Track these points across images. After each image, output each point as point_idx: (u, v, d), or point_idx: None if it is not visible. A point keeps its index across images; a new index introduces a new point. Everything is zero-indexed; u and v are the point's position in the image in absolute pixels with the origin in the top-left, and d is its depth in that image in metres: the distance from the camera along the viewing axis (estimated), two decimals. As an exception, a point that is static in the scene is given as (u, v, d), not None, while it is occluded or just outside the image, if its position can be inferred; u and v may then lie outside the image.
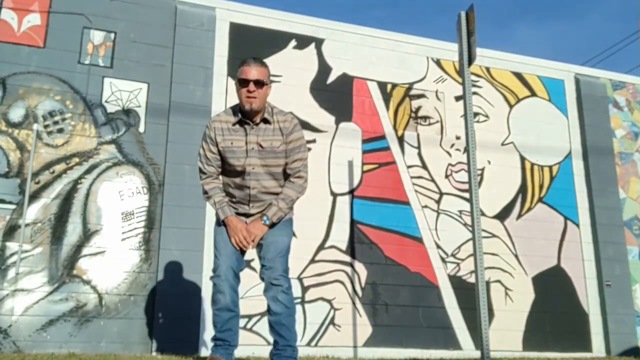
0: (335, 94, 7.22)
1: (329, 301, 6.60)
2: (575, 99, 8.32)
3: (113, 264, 5.99)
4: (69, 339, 5.69)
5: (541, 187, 7.84)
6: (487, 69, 7.99)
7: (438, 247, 7.16)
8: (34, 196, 5.92)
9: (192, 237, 6.12)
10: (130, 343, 5.84)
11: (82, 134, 6.21)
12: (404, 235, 7.07)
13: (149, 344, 5.86)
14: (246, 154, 3.51)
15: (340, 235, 6.82)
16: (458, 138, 7.56)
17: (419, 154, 7.39)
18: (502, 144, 7.82)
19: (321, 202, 6.85)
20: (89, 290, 5.87)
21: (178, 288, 5.98)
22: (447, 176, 7.44)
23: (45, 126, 6.11)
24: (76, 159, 6.13)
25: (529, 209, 7.70)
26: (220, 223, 3.61)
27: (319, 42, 7.33)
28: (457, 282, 7.11)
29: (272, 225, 3.56)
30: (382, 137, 7.29)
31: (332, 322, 6.55)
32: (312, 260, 6.65)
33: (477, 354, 5.66)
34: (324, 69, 7.26)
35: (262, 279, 3.54)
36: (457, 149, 7.55)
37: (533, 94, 8.17)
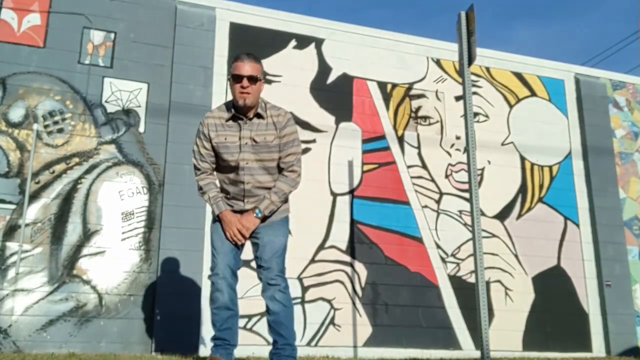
0: (335, 94, 7.22)
1: (329, 301, 6.60)
2: (575, 99, 8.32)
3: (113, 264, 5.99)
4: (69, 339, 5.69)
5: (541, 187, 7.84)
6: (487, 69, 7.99)
7: (438, 247, 7.16)
8: (34, 196, 5.92)
9: (192, 237, 6.12)
10: (130, 343, 5.84)
11: (82, 134, 6.21)
12: (404, 235, 7.07)
13: (149, 343, 5.86)
14: (240, 149, 3.52)
15: (340, 235, 6.82)
16: (458, 138, 7.56)
17: (419, 154, 7.39)
18: (502, 144, 7.82)
19: (321, 202, 6.85)
20: (89, 290, 5.87)
21: (178, 288, 5.98)
22: (447, 176, 7.44)
23: (45, 126, 6.11)
24: (76, 159, 6.13)
25: (529, 209, 7.70)
26: (215, 219, 3.62)
27: (319, 42, 7.33)
28: (457, 282, 7.11)
29: (265, 219, 3.56)
30: (382, 137, 7.29)
31: (332, 322, 6.55)
32: (312, 260, 6.65)
33: (477, 354, 5.66)
34: (324, 69, 7.26)
35: (260, 279, 3.54)
36: (457, 149, 7.55)
37: (533, 94, 8.18)
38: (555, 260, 7.63)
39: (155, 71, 6.55)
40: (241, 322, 6.00)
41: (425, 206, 7.24)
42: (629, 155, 8.40)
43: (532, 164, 7.88)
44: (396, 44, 7.67)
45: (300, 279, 6.54)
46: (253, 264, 3.74)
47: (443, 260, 7.14)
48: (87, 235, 6.00)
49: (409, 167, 7.30)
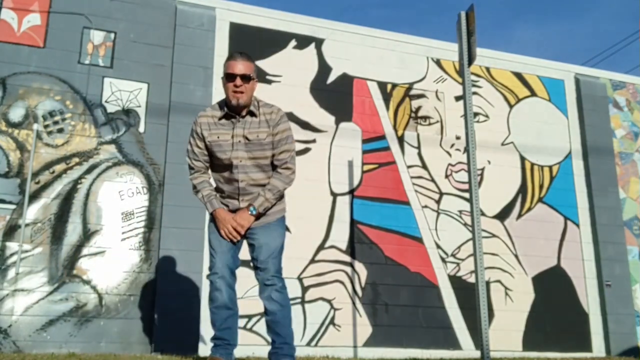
0: (335, 94, 7.22)
1: (329, 301, 6.60)
2: (575, 99, 8.32)
3: (113, 264, 5.99)
4: (69, 339, 5.69)
5: (541, 187, 7.84)
6: (487, 69, 7.99)
7: (438, 247, 7.16)
8: (34, 196, 5.92)
9: (192, 237, 6.12)
10: (130, 343, 5.84)
11: (82, 134, 6.21)
12: (404, 235, 7.07)
13: (148, 344, 5.86)
14: (232, 147, 3.52)
15: (340, 235, 6.82)
16: (458, 138, 7.56)
17: (419, 154, 7.39)
18: (502, 144, 7.82)
19: (321, 202, 6.85)
20: (89, 290, 5.87)
21: (178, 288, 5.98)
22: (447, 176, 7.44)
23: (45, 126, 6.11)
24: (76, 159, 6.13)
25: (529, 209, 7.70)
26: (211, 218, 3.63)
27: (319, 42, 7.33)
28: (457, 282, 7.11)
29: (260, 217, 3.55)
30: (382, 137, 7.29)
31: (332, 322, 6.55)
32: (312, 260, 6.65)
33: (477, 354, 5.66)
34: (324, 69, 7.26)
35: (257, 280, 3.55)
36: (457, 149, 7.55)
37: (533, 94, 8.18)
38: (555, 260, 7.63)
39: (155, 71, 6.55)
40: (241, 322, 6.00)
41: (425, 206, 7.24)
42: (629, 155, 8.40)
43: (532, 164, 7.88)
44: (396, 44, 7.67)
45: (300, 279, 6.54)
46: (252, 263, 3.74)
47: (443, 260, 7.14)
48: (87, 235, 6.00)
49: (409, 167, 7.30)
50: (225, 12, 7.01)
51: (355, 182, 7.04)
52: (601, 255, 7.70)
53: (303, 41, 7.27)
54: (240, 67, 3.50)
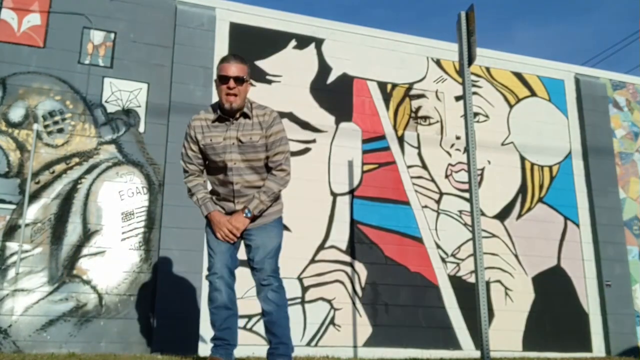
0: (335, 94, 7.22)
1: (329, 301, 6.60)
2: (575, 99, 8.32)
3: (113, 264, 5.99)
4: (69, 339, 5.69)
5: (541, 187, 7.84)
6: (487, 69, 7.99)
7: (438, 247, 7.16)
8: (34, 196, 5.92)
9: (192, 237, 6.12)
10: (130, 343, 5.84)
11: (82, 134, 6.21)
12: (404, 235, 7.07)
13: (149, 344, 5.86)
14: (226, 149, 3.51)
15: (340, 235, 6.82)
16: (458, 138, 7.56)
17: (419, 154, 7.39)
18: (502, 144, 7.82)
19: (321, 202, 6.85)
20: (89, 290, 5.87)
21: (178, 288, 5.98)
22: (447, 176, 7.44)
23: (45, 126, 6.11)
24: (76, 159, 6.13)
25: (529, 209, 7.70)
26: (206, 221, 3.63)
27: (319, 42, 7.33)
28: (457, 282, 7.11)
29: (255, 219, 3.55)
30: (382, 137, 7.29)
31: (332, 322, 6.55)
32: (312, 260, 6.65)
33: (477, 354, 5.66)
34: (324, 69, 7.26)
35: (254, 280, 3.55)
36: (457, 149, 7.55)
37: (533, 94, 8.18)
38: (555, 260, 7.63)
39: (155, 71, 6.55)
40: (241, 322, 6.00)
41: (425, 206, 7.24)
42: (629, 155, 8.40)
43: (532, 164, 7.88)
44: (396, 44, 7.67)
45: (300, 279, 6.54)
46: (253, 264, 3.74)
47: (443, 260, 7.14)
48: (87, 235, 6.00)
49: (409, 167, 7.30)
50: (225, 12, 7.01)
51: (355, 182, 7.04)
52: (601, 255, 7.70)
53: (303, 41, 7.27)
54: (234, 69, 3.50)
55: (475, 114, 7.59)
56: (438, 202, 7.31)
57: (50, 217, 5.93)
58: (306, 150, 6.93)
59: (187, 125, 3.65)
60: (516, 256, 7.47)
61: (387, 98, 7.44)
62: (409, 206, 7.17)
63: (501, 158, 7.74)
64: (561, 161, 8.04)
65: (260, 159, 3.55)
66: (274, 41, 7.13)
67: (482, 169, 7.57)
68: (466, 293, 6.98)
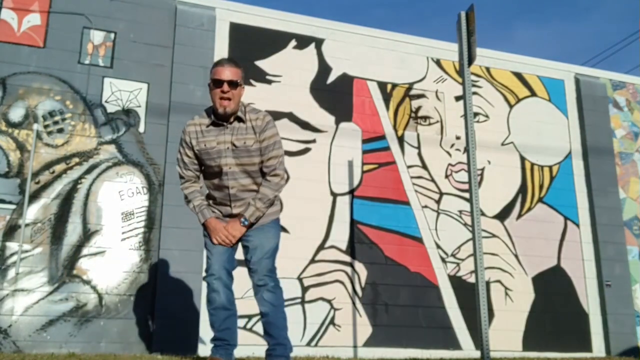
0: (335, 94, 7.22)
1: (329, 301, 6.60)
2: (575, 99, 8.32)
3: (113, 264, 5.99)
4: (69, 339, 5.69)
5: (541, 187, 7.84)
6: (487, 69, 7.99)
7: (438, 247, 7.16)
8: (34, 196, 5.92)
9: (192, 237, 6.11)
10: (130, 343, 5.84)
11: (82, 134, 6.21)
12: (404, 235, 7.07)
13: (149, 344, 5.86)
14: (221, 154, 3.51)
15: (340, 235, 6.82)
16: (458, 138, 7.56)
17: (419, 154, 7.39)
18: (502, 144, 7.82)
19: (321, 202, 6.85)
20: (89, 290, 5.87)
21: (178, 288, 5.97)
22: (447, 176, 7.44)
23: (45, 126, 6.11)
24: (76, 159, 6.13)
25: (529, 209, 7.70)
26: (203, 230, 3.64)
27: (319, 42, 7.33)
28: (457, 282, 7.11)
29: (251, 225, 3.55)
30: (382, 137, 7.29)
31: (332, 322, 6.54)
32: (312, 260, 6.65)
33: (477, 354, 5.66)
34: (324, 69, 7.26)
35: (251, 281, 3.55)
36: (457, 149, 7.55)
37: (533, 94, 8.17)
38: (555, 260, 7.63)
39: (155, 71, 6.55)
40: (241, 322, 6.00)
41: (425, 206, 7.24)
42: (629, 155, 8.40)
43: (532, 164, 7.88)
44: (396, 44, 7.67)
45: (300, 279, 6.54)
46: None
47: (443, 260, 7.14)
48: (87, 235, 6.00)
49: (409, 167, 7.30)
50: (225, 12, 7.01)
51: (355, 182, 7.04)
52: (601, 255, 7.70)
53: (303, 41, 7.27)
54: (228, 73, 3.49)
55: (475, 114, 7.59)
56: (438, 202, 7.31)
57: (50, 217, 5.93)
58: (306, 150, 6.93)
59: (182, 131, 3.65)
60: (516, 256, 7.47)
61: (387, 98, 7.44)
62: (409, 206, 7.17)
63: (501, 158, 7.74)
64: (561, 161, 8.04)
65: (254, 164, 3.54)
66: (274, 41, 7.12)
67: (482, 169, 7.57)
68: (466, 293, 6.98)
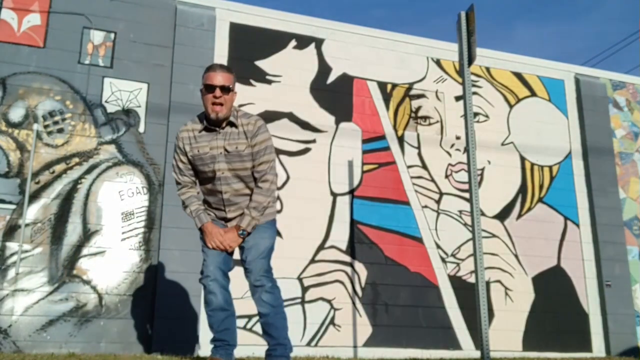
0: (335, 94, 7.22)
1: (329, 301, 6.60)
2: (575, 99, 8.32)
3: (113, 264, 5.99)
4: (69, 339, 5.69)
5: (541, 187, 7.84)
6: (487, 69, 7.99)
7: (438, 247, 7.16)
8: (34, 196, 5.92)
9: (192, 237, 6.08)
10: (130, 343, 5.84)
11: (82, 134, 6.22)
12: (404, 235, 7.07)
13: (148, 344, 5.86)
14: (214, 159, 3.51)
15: (340, 235, 6.82)
16: (458, 138, 7.56)
17: (419, 154, 7.39)
18: (502, 144, 7.82)
19: (321, 202, 6.85)
20: (89, 290, 5.87)
21: (178, 288, 5.97)
22: (447, 176, 7.44)
23: (45, 126, 6.11)
24: (76, 159, 6.13)
25: (529, 209, 7.69)
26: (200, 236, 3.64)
27: (319, 42, 7.33)
28: (457, 282, 7.11)
29: (248, 234, 3.55)
30: (382, 137, 7.29)
31: (332, 322, 6.54)
32: (312, 260, 6.65)
33: (477, 354, 5.66)
34: (324, 69, 7.26)
35: (248, 282, 3.55)
36: (457, 149, 7.54)
37: (533, 94, 8.17)
38: (555, 260, 7.63)
39: (155, 71, 6.55)
40: (241, 322, 6.00)
41: (425, 206, 7.24)
42: (629, 155, 8.40)
43: (532, 164, 7.88)
44: (396, 44, 7.66)
45: (300, 279, 6.53)
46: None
47: (443, 260, 7.14)
48: (87, 235, 6.00)
49: (409, 167, 7.30)
50: (225, 12, 7.01)
51: (355, 182, 7.04)
52: (601, 255, 7.70)
53: (303, 41, 7.27)
54: (220, 78, 3.49)
55: (475, 114, 7.59)
56: (438, 202, 7.31)
57: (50, 217, 5.93)
58: (306, 150, 6.93)
59: (176, 137, 3.66)
60: (516, 256, 7.47)
61: (387, 98, 7.44)
62: (409, 206, 7.17)
63: (501, 158, 7.74)
64: (561, 161, 8.04)
65: (247, 168, 3.54)
66: (274, 41, 7.13)
67: (482, 169, 7.57)
68: (466, 293, 6.98)
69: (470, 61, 4.86)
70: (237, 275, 3.66)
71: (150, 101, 6.48)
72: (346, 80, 7.32)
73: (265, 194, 3.52)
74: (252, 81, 6.89)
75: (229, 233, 3.53)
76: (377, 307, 6.75)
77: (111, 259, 6.00)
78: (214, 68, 3.56)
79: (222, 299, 3.49)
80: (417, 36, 7.82)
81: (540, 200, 7.78)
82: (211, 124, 3.54)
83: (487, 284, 7.05)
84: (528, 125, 7.98)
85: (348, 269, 6.75)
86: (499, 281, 7.29)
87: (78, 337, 5.72)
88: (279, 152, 6.73)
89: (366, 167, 7.13)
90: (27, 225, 5.82)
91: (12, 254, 5.74)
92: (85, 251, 5.95)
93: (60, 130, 6.15)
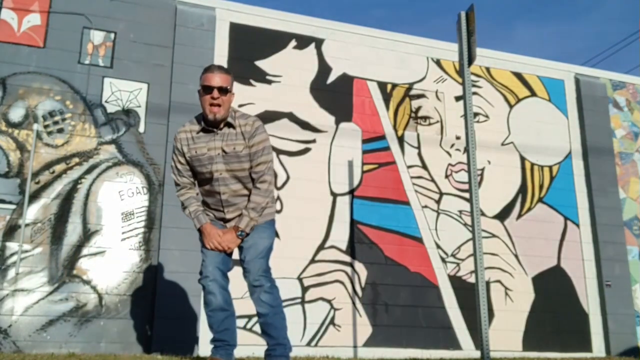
0: (335, 94, 7.22)
1: (329, 301, 6.60)
2: (575, 99, 8.32)
3: (113, 264, 5.99)
4: (69, 339, 5.69)
5: (541, 187, 7.84)
6: (487, 69, 7.99)
7: (438, 247, 7.16)
8: (34, 196, 5.92)
9: (192, 237, 6.04)
10: (130, 343, 5.84)
11: (82, 134, 6.22)
12: (404, 235, 7.07)
13: (148, 344, 5.86)
14: (212, 160, 3.52)
15: (340, 235, 6.82)
16: (458, 138, 7.56)
17: (419, 154, 7.39)
18: (502, 144, 7.82)
19: (321, 202, 6.85)
20: (89, 290, 5.87)
21: (178, 288, 5.97)
22: (447, 176, 7.44)
23: (45, 126, 6.11)
24: (76, 159, 6.13)
25: (529, 209, 7.69)
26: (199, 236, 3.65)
27: (319, 42, 7.33)
28: (457, 282, 7.11)
29: (247, 235, 3.55)
30: (382, 137, 7.29)
31: (332, 322, 6.54)
32: (312, 260, 6.65)
33: (477, 354, 5.66)
34: (324, 69, 7.26)
35: (246, 282, 3.55)
36: (457, 149, 7.54)
37: (533, 94, 8.17)
38: (555, 260, 7.63)
39: (155, 71, 6.55)
40: (241, 322, 6.00)
41: (425, 206, 7.24)
42: (629, 155, 8.40)
43: (532, 164, 7.88)
44: (396, 44, 7.66)
45: (300, 279, 6.53)
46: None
47: (443, 260, 7.14)
48: (87, 235, 6.00)
49: (409, 167, 7.30)
50: (225, 12, 7.01)
51: (355, 182, 7.04)
52: (601, 255, 7.70)
53: (303, 41, 7.27)
54: (218, 79, 3.50)
55: (475, 114, 7.59)
56: (438, 202, 7.31)
57: (50, 217, 5.93)
58: (306, 150, 6.93)
59: (174, 138, 3.67)
60: (516, 256, 7.47)
61: (387, 98, 7.44)
62: (409, 206, 7.17)
63: (501, 158, 7.74)
64: (561, 161, 8.04)
65: (244, 169, 3.54)
66: (274, 41, 7.13)
67: (482, 169, 7.57)
68: (466, 293, 6.98)
69: (470, 61, 4.86)
70: (236, 275, 3.66)
71: (150, 101, 6.48)
72: (346, 80, 7.32)
73: (263, 194, 3.53)
74: (252, 81, 6.89)
75: (227, 234, 3.53)
76: (377, 307, 6.75)
77: (111, 259, 6.00)
78: (212, 69, 3.57)
79: (221, 299, 3.49)
80: (417, 36, 7.82)
81: (540, 200, 7.78)
82: (209, 125, 3.54)
83: (487, 284, 7.05)
84: (528, 125, 7.98)
85: (348, 269, 6.75)
86: (499, 281, 7.29)
87: (78, 337, 5.72)
88: (279, 152, 6.73)
89: (366, 167, 7.13)
90: (27, 225, 5.83)
91: (12, 254, 5.74)
92: (85, 251, 5.95)
93: (60, 130, 6.15)
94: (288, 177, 6.78)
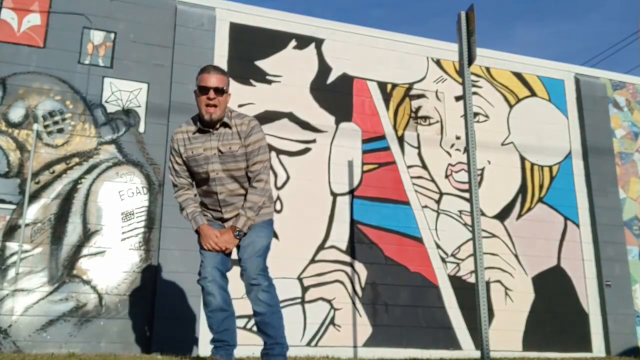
0: (335, 94, 7.22)
1: (329, 301, 6.60)
2: (575, 99, 8.32)
3: (113, 264, 5.99)
4: (69, 339, 5.69)
5: (541, 187, 7.84)
6: (487, 69, 7.99)
7: (438, 247, 7.16)
8: (34, 196, 5.92)
9: (192, 237, 6.01)
10: (130, 343, 5.84)
11: (82, 134, 6.22)
12: (404, 235, 7.07)
13: (148, 344, 5.86)
14: (208, 160, 3.52)
15: (340, 235, 6.82)
16: (458, 138, 7.56)
17: (419, 154, 7.39)
18: (502, 144, 7.82)
19: (321, 202, 6.85)
20: (89, 290, 5.87)
21: (178, 288, 5.97)
22: (447, 176, 7.44)
23: (45, 126, 6.11)
24: (76, 159, 6.13)
25: (529, 209, 7.69)
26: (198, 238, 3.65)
27: (319, 42, 7.33)
28: (457, 282, 7.11)
29: (245, 234, 3.55)
30: (382, 137, 7.29)
31: (332, 322, 6.54)
32: (312, 260, 6.65)
33: (477, 354, 5.66)
34: (324, 69, 7.26)
35: (243, 280, 3.55)
36: (457, 149, 7.54)
37: (533, 94, 8.17)
38: (555, 260, 7.63)
39: (155, 71, 6.55)
40: (241, 322, 6.00)
41: (425, 206, 7.24)
42: (629, 155, 8.40)
43: (532, 164, 7.88)
44: (396, 44, 7.66)
45: (300, 279, 6.53)
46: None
47: (443, 260, 7.14)
48: (87, 235, 6.00)
49: (409, 167, 7.30)
50: (225, 12, 7.01)
51: (355, 182, 7.04)
52: (601, 255, 7.70)
53: (303, 41, 7.27)
54: (214, 80, 3.49)
55: (475, 114, 7.59)
56: (438, 202, 7.31)
57: (50, 217, 5.93)
58: (306, 150, 6.93)
59: (170, 139, 3.67)
60: (516, 256, 7.47)
61: (387, 98, 7.44)
62: (409, 206, 7.17)
63: (501, 158, 7.74)
64: (561, 161, 8.04)
65: (241, 169, 3.54)
66: (274, 41, 7.12)
67: (482, 169, 7.57)
68: (466, 293, 6.98)
69: (470, 61, 4.86)
70: (236, 275, 3.66)
71: (150, 101, 6.48)
72: (346, 80, 7.32)
73: (259, 193, 3.53)
74: (252, 81, 6.89)
75: (224, 234, 3.53)
76: (377, 307, 6.75)
77: (111, 259, 6.00)
78: (208, 70, 3.56)
79: (220, 300, 3.50)
80: (417, 36, 7.82)
81: (540, 200, 7.78)
82: (205, 126, 3.55)
83: (487, 284, 7.05)
84: (528, 125, 7.98)
85: (348, 269, 6.75)
86: (499, 281, 7.29)
87: (78, 337, 5.72)
88: (279, 152, 6.73)
89: (366, 167, 7.13)
90: (27, 225, 5.83)
91: (12, 254, 5.74)
92: (85, 251, 5.95)
93: (60, 130, 6.15)
94: (288, 177, 6.78)
